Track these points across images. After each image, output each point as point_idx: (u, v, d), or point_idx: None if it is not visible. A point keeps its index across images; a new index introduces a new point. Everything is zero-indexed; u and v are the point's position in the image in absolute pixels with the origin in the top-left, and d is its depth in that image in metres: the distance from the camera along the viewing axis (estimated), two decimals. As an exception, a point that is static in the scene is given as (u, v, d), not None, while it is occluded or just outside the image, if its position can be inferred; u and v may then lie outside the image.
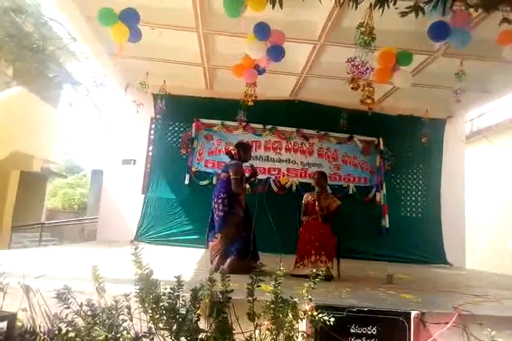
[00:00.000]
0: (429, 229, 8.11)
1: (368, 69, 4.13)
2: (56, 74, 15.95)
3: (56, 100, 16.56)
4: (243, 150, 4.80)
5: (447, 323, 2.50)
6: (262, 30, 4.40)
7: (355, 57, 4.20)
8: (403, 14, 3.93)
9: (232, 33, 5.85)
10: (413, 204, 8.32)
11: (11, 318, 2.20)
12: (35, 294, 2.63)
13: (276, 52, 4.71)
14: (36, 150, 10.37)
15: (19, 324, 2.42)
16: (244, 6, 3.92)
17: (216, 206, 4.51)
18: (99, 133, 20.22)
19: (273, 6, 3.57)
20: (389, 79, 4.79)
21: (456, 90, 5.54)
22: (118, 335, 2.20)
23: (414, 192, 8.37)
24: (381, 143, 8.28)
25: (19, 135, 9.35)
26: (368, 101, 4.72)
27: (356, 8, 3.59)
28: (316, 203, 4.76)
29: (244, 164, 4.80)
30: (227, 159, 6.01)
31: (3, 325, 2.21)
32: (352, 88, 4.46)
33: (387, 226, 7.87)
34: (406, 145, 8.35)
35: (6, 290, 2.53)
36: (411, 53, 4.71)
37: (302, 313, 2.40)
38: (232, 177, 4.45)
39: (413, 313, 2.51)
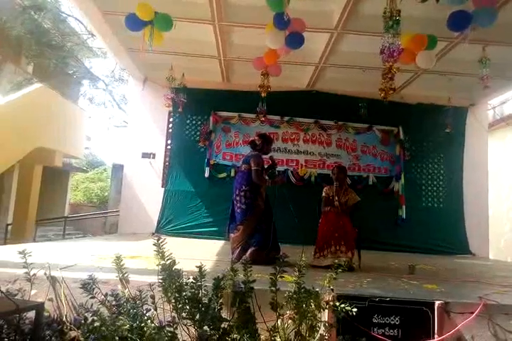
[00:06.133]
0: (451, 219, 7.97)
1: (395, 50, 4.04)
2: (75, 70, 16.17)
3: (76, 96, 16.85)
4: (266, 143, 4.79)
5: (472, 313, 2.46)
6: (281, 20, 4.33)
7: (383, 45, 4.12)
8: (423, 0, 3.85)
9: (248, 24, 5.83)
10: (434, 194, 8.16)
11: (39, 308, 2.24)
12: (61, 285, 2.69)
13: (295, 40, 4.64)
14: (58, 146, 10.55)
15: (46, 313, 2.48)
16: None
17: (238, 198, 4.50)
18: (118, 127, 20.40)
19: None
20: (412, 61, 4.76)
21: (482, 76, 5.38)
22: (142, 324, 2.23)
23: (435, 182, 8.21)
24: (401, 132, 8.14)
25: (41, 131, 9.54)
26: (390, 92, 4.66)
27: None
28: (336, 198, 4.72)
29: (264, 156, 4.78)
30: (245, 151, 6.05)
31: (32, 314, 2.26)
32: (385, 77, 4.40)
33: (404, 216, 7.78)
34: (427, 135, 8.18)
35: (33, 281, 2.60)
36: (435, 36, 4.71)
37: (324, 303, 2.40)
38: (253, 168, 4.43)
39: (437, 303, 2.48)
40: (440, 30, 4.94)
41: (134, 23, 4.56)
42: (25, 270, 2.54)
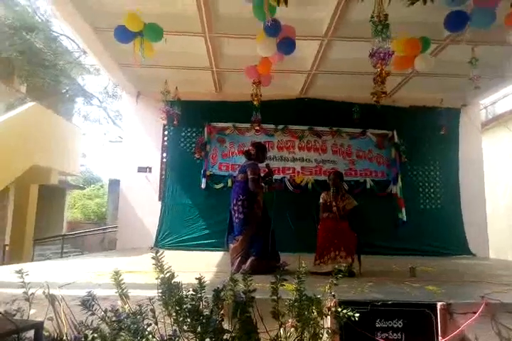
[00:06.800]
0: (449, 220, 7.96)
1: (387, 53, 4.08)
2: (69, 88, 16.23)
3: (70, 113, 16.89)
4: (261, 151, 4.80)
5: (475, 313, 2.45)
6: (272, 27, 4.38)
7: (373, 49, 4.16)
8: (412, 2, 3.89)
9: (239, 34, 5.89)
10: (432, 195, 8.17)
11: (38, 327, 2.22)
12: (60, 303, 2.66)
13: (287, 45, 4.69)
14: (53, 164, 10.53)
15: (46, 333, 2.45)
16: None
17: (236, 208, 4.49)
18: (114, 143, 20.42)
19: (278, 3, 3.60)
20: (410, 67, 4.79)
21: (472, 77, 5.43)
22: (143, 340, 2.21)
23: (432, 184, 8.23)
24: (395, 135, 8.17)
25: (36, 149, 9.53)
26: (382, 95, 4.68)
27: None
28: (333, 203, 4.71)
29: (260, 165, 4.78)
30: (240, 161, 6.06)
31: (31, 334, 2.24)
32: (377, 81, 4.43)
33: (405, 219, 7.76)
34: (421, 137, 8.20)
35: (32, 300, 2.57)
36: (428, 38, 4.77)
37: (326, 310, 2.39)
38: (249, 176, 4.43)
39: (439, 304, 2.47)
40: (429, 32, 5.03)
41: (124, 34, 4.58)
42: (24, 289, 2.52)
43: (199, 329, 2.25)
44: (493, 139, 9.98)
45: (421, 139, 8.23)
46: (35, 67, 13.43)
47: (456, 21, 4.20)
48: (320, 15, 5.61)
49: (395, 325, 2.42)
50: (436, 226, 7.83)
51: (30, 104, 10.06)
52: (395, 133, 8.18)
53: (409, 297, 2.84)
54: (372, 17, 4.14)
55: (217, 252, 6.87)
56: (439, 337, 2.39)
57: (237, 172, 4.95)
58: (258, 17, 4.24)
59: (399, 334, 2.41)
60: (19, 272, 2.49)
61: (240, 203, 4.47)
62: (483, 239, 8.07)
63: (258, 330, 2.33)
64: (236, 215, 4.50)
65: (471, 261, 6.88)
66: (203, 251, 7.25)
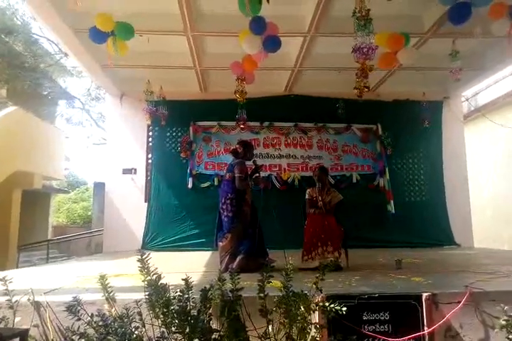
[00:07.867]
0: (434, 211, 8.07)
1: (370, 48, 4.10)
2: (50, 91, 15.99)
3: (53, 116, 16.63)
4: (248, 149, 4.80)
5: (459, 302, 2.49)
6: (257, 24, 4.37)
7: (356, 44, 4.18)
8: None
9: (221, 32, 5.87)
10: (417, 188, 8.27)
11: (23, 334, 2.20)
12: (45, 309, 2.62)
13: (273, 43, 4.70)
14: (36, 168, 10.37)
15: (32, 340, 2.41)
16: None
17: (224, 207, 4.49)
18: (98, 145, 20.21)
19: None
20: (395, 63, 4.82)
21: (452, 70, 5.48)
22: (131, 343, 2.19)
23: (416, 176, 8.32)
24: (379, 129, 8.25)
25: (18, 154, 9.38)
26: (365, 90, 4.73)
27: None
28: (319, 198, 4.74)
29: (247, 162, 4.78)
30: (227, 160, 6.07)
31: (16, 341, 2.21)
32: (359, 75, 4.47)
33: (393, 211, 7.84)
34: (405, 130, 8.27)
35: (17, 308, 2.54)
36: (407, 33, 4.85)
37: (314, 305, 2.40)
38: (236, 175, 4.43)
39: (424, 295, 2.50)
40: (410, 26, 5.09)
41: (97, 35, 4.58)
42: (7, 297, 2.48)
43: (187, 329, 2.24)
44: (476, 130, 10.10)
45: (405, 132, 8.31)
46: (15, 70, 13.20)
47: (461, 13, 4.20)
48: (302, 11, 5.63)
49: (382, 317, 2.45)
50: (421, 217, 7.92)
51: (12, 109, 9.88)
52: (379, 126, 8.25)
53: (396, 289, 2.87)
54: (354, 12, 4.17)
55: (206, 252, 6.85)
56: (425, 327, 2.42)
57: (224, 171, 4.94)
58: (243, 12, 4.23)
59: (386, 326, 2.43)
60: (2, 280, 2.46)
61: (228, 201, 4.47)
62: (467, 229, 8.20)
63: (246, 328, 2.33)
64: (225, 214, 4.50)
65: (456, 251, 7.00)
66: (192, 251, 7.21)
